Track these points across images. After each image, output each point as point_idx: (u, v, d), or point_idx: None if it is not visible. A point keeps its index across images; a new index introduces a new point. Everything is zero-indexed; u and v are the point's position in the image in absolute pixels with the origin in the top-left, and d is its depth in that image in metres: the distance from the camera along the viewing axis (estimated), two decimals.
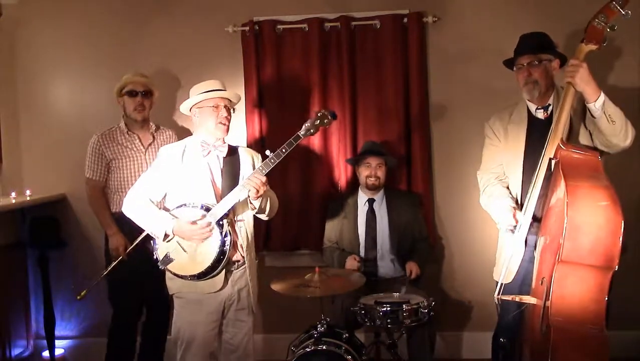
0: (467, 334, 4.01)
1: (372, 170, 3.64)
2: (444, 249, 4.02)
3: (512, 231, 2.85)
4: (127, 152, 3.56)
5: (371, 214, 3.68)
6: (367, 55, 3.92)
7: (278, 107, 3.97)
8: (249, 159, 3.00)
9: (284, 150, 2.84)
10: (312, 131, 2.90)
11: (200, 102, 2.89)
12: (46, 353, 3.96)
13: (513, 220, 2.86)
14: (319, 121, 2.91)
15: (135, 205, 2.89)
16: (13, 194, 3.87)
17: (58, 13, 4.11)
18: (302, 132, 2.88)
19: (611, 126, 2.69)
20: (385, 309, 3.05)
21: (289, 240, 4.03)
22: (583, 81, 2.66)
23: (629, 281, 3.89)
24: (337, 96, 3.92)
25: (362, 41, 3.91)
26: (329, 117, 2.92)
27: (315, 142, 3.93)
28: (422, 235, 3.75)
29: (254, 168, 2.96)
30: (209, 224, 2.76)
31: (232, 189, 2.83)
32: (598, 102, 2.67)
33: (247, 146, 3.82)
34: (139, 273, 3.41)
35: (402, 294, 3.24)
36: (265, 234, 4.01)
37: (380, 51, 3.89)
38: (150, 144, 3.61)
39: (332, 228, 3.77)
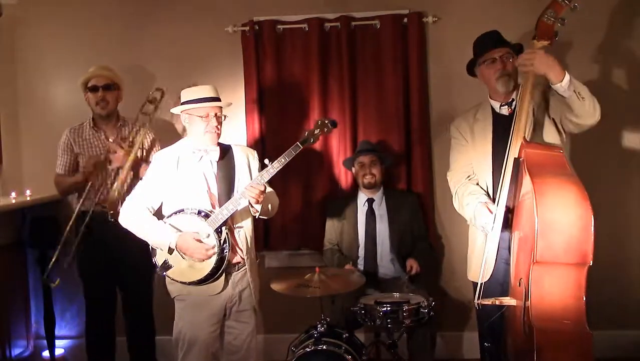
0: (467, 334, 4.01)
1: (366, 168, 3.64)
2: (443, 249, 4.01)
3: (488, 229, 2.80)
4: (91, 148, 3.55)
5: (371, 214, 3.68)
6: (367, 55, 3.92)
7: (278, 107, 3.97)
8: (244, 159, 2.97)
9: (283, 160, 2.81)
10: (311, 140, 2.88)
11: (190, 110, 2.86)
12: (46, 353, 3.95)
13: (489, 214, 2.79)
14: (318, 129, 2.89)
15: (135, 217, 2.85)
16: (13, 194, 3.87)
17: (58, 13, 4.11)
18: (301, 141, 2.85)
19: (581, 102, 2.64)
20: (385, 309, 3.06)
21: (289, 240, 4.03)
22: (543, 64, 2.61)
23: (629, 281, 3.90)
24: (337, 96, 3.92)
25: (362, 41, 3.91)
26: (329, 125, 2.89)
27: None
28: (421, 234, 3.75)
29: (249, 167, 2.95)
30: (214, 247, 2.75)
31: (228, 194, 2.83)
32: (565, 81, 2.60)
33: (247, 146, 3.82)
34: (111, 258, 3.48)
35: (402, 294, 3.24)
36: (265, 234, 4.01)
37: (380, 51, 3.89)
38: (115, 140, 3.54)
39: (332, 229, 3.77)
